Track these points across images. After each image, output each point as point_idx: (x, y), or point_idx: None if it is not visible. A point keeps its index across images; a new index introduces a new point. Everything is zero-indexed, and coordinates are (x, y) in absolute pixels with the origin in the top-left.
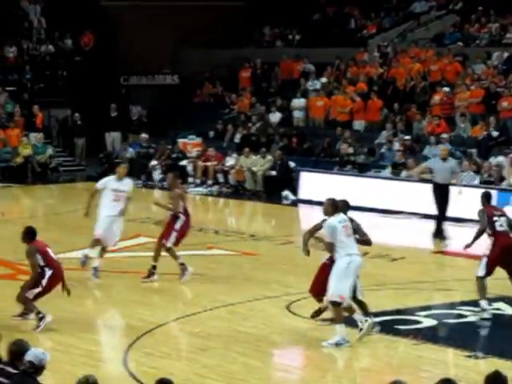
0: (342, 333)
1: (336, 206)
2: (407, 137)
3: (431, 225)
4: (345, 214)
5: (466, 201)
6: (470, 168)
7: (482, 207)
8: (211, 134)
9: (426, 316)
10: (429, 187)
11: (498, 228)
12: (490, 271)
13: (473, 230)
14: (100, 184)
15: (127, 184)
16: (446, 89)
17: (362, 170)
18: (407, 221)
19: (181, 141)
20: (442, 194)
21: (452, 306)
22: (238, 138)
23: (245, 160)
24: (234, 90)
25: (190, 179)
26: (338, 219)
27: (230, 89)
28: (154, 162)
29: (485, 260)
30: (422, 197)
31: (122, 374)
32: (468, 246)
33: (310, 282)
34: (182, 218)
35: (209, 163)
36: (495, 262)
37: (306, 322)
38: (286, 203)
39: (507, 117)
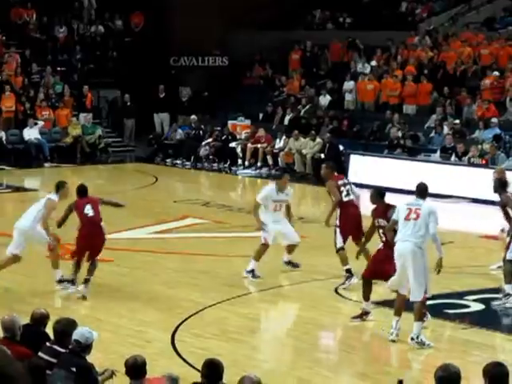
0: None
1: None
2: (457, 121)
3: (480, 209)
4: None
5: None
6: None
7: (503, 194)
8: (261, 116)
9: (474, 300)
10: (478, 171)
11: None
12: None
13: None
14: (261, 198)
15: (288, 194)
16: (497, 73)
17: (411, 153)
18: (456, 205)
19: (230, 123)
20: None
21: (500, 290)
22: (287, 121)
23: (294, 142)
24: (284, 72)
25: (240, 161)
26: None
27: (279, 71)
28: (205, 142)
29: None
30: (470, 181)
31: (169, 354)
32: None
33: (358, 264)
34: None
35: (258, 145)
36: None
37: (353, 304)
38: None
39: None
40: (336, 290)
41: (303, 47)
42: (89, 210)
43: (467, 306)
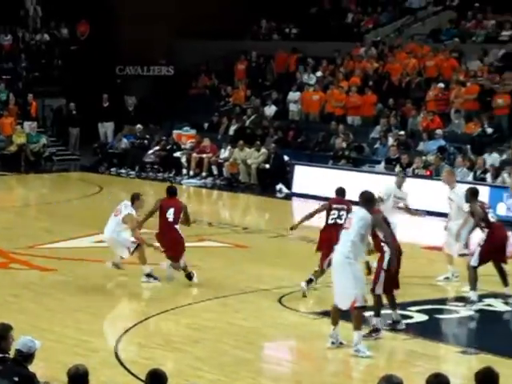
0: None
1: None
2: (401, 132)
3: (423, 220)
4: None
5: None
6: (463, 164)
7: (473, 203)
8: (206, 125)
9: (417, 311)
10: (422, 182)
11: (492, 219)
12: (482, 261)
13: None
14: (384, 193)
15: (406, 192)
16: (441, 85)
17: (355, 164)
18: (399, 216)
19: (176, 132)
20: None
21: (443, 301)
22: (232, 131)
23: (239, 152)
24: (230, 82)
25: (184, 171)
26: None
27: (225, 81)
28: (150, 152)
29: (478, 250)
30: (414, 192)
31: (113, 364)
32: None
33: (302, 274)
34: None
35: (203, 155)
36: (488, 254)
37: (297, 315)
38: (279, 196)
39: (502, 114)
40: (280, 301)
41: (249, 57)
42: (170, 215)
43: (410, 317)
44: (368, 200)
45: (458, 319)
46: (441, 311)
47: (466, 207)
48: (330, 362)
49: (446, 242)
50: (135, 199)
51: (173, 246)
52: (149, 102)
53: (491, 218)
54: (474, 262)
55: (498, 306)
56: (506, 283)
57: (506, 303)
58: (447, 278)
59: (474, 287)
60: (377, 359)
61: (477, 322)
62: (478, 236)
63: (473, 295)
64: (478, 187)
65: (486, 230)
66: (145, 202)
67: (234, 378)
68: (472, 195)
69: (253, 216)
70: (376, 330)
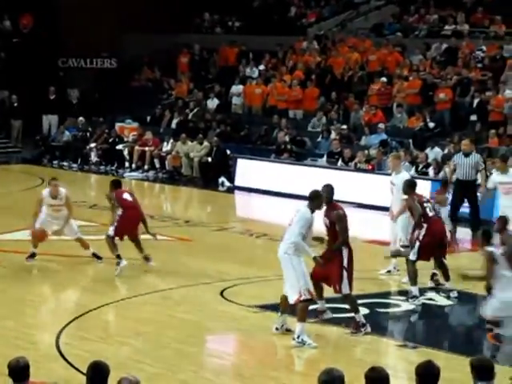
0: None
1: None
2: (344, 126)
3: (365, 214)
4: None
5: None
6: (405, 159)
7: (411, 195)
8: (148, 118)
9: (358, 305)
10: (364, 176)
11: (430, 213)
12: (420, 256)
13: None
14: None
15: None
16: (384, 79)
17: (298, 158)
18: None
19: (118, 125)
20: (466, 192)
21: (385, 295)
22: (174, 124)
23: (181, 146)
24: (173, 75)
25: (127, 164)
26: None
27: (168, 74)
28: (92, 145)
29: (417, 244)
30: (357, 186)
31: (54, 356)
32: (410, 239)
33: (246, 267)
34: None
35: (145, 148)
36: (427, 248)
37: (239, 308)
38: (221, 190)
39: (444, 108)
40: (222, 294)
41: (192, 51)
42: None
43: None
44: (312, 197)
45: (400, 313)
46: (382, 305)
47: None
48: (271, 355)
49: (392, 234)
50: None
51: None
52: (91, 94)
53: (429, 212)
54: (412, 256)
55: (440, 300)
56: (447, 278)
57: (448, 297)
58: (389, 272)
59: (414, 282)
60: (318, 353)
61: (418, 316)
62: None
63: (414, 290)
64: (420, 181)
65: (425, 225)
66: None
67: (175, 371)
68: (409, 188)
69: (195, 209)
70: (363, 325)
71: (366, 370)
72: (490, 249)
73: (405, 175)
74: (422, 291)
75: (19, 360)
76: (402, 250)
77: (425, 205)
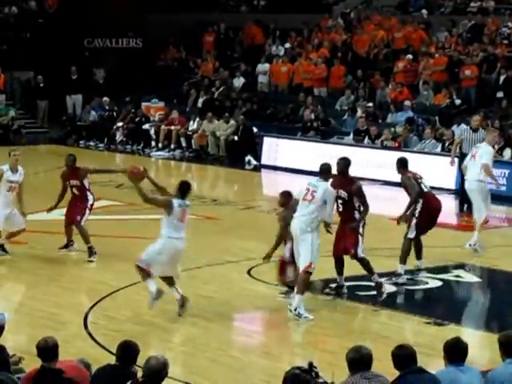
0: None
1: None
2: (369, 104)
3: (392, 192)
4: None
5: (427, 168)
6: (431, 136)
7: (404, 173)
8: (174, 98)
9: (385, 282)
10: (391, 154)
11: (425, 189)
12: (419, 233)
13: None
14: None
15: None
16: (410, 56)
17: (324, 136)
18: (368, 187)
19: (144, 104)
20: None
21: (412, 272)
22: (201, 103)
23: (207, 124)
24: (198, 54)
25: (153, 143)
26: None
27: (193, 53)
28: (118, 124)
29: (414, 221)
30: (383, 164)
31: (83, 336)
32: (403, 216)
33: (270, 246)
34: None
35: (171, 127)
36: (425, 224)
37: (266, 286)
38: (248, 168)
39: (470, 85)
40: (249, 272)
41: (217, 29)
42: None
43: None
44: (325, 171)
45: (427, 290)
46: (409, 282)
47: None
48: (298, 334)
49: None
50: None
51: None
52: (117, 74)
53: (424, 188)
54: (410, 233)
55: (467, 277)
56: (419, 256)
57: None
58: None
59: (404, 260)
60: (344, 331)
61: (445, 293)
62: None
63: (401, 268)
64: (447, 158)
65: (421, 201)
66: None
67: (203, 350)
68: (402, 165)
69: (222, 188)
70: (381, 285)
71: (393, 348)
72: None
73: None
74: (449, 268)
75: (47, 340)
76: None
77: (419, 181)
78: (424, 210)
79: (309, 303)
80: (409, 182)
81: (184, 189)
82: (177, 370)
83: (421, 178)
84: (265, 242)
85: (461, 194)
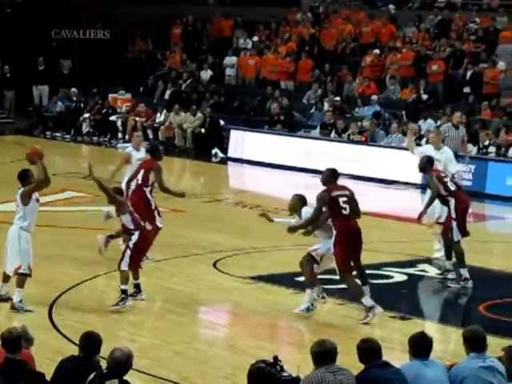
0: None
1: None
2: (337, 98)
3: (359, 186)
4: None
5: (393, 163)
6: (398, 130)
7: (428, 172)
8: (141, 89)
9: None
10: (357, 148)
11: (452, 188)
12: (464, 233)
13: (400, 191)
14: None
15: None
16: (377, 51)
17: (291, 129)
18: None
19: (111, 96)
20: None
21: (378, 266)
22: (168, 95)
23: (174, 117)
24: (166, 46)
25: (119, 134)
26: None
27: (161, 45)
28: (85, 116)
29: (455, 224)
30: (350, 157)
31: (47, 327)
32: (422, 214)
33: (239, 239)
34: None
35: (138, 119)
36: (463, 223)
37: (232, 279)
38: (214, 161)
39: (436, 80)
40: (215, 265)
41: (185, 21)
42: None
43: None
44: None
45: (392, 284)
46: (375, 276)
47: (454, 168)
48: (264, 326)
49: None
50: None
51: None
52: (84, 65)
53: (451, 186)
54: (456, 237)
55: (432, 271)
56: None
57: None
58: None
59: (463, 263)
60: (311, 324)
61: (411, 288)
62: (446, 209)
63: (464, 272)
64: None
65: (452, 200)
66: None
67: (169, 342)
68: (428, 164)
69: (188, 180)
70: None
71: (358, 341)
72: None
73: (447, 149)
74: (414, 262)
75: (11, 331)
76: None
77: (445, 180)
78: (459, 208)
79: (275, 297)
80: (432, 181)
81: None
82: (142, 362)
83: (445, 176)
84: (231, 235)
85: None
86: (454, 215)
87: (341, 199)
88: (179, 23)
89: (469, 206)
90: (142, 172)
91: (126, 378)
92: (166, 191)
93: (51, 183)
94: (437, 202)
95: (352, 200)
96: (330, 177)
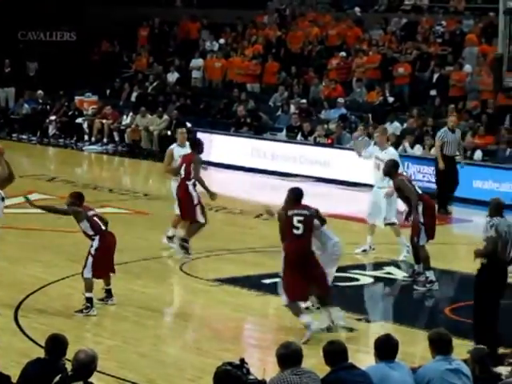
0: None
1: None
2: (303, 100)
3: (325, 188)
4: None
5: (359, 165)
6: (364, 133)
7: (399, 177)
8: (108, 92)
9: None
10: (324, 151)
11: (420, 191)
12: (429, 237)
13: (365, 194)
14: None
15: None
16: (343, 53)
17: (257, 132)
18: (301, 184)
19: (77, 98)
20: (452, 167)
21: (344, 269)
22: (134, 97)
23: (141, 119)
24: (132, 48)
25: (86, 137)
26: None
27: (128, 47)
28: (51, 118)
29: (423, 228)
30: (316, 160)
31: (12, 330)
32: (407, 218)
33: (205, 241)
34: None
35: (105, 121)
36: (432, 226)
37: (198, 282)
38: None
39: (403, 83)
40: (181, 267)
41: (152, 24)
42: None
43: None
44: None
45: (358, 287)
46: (340, 279)
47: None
48: (229, 329)
49: (371, 211)
50: None
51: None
52: (51, 67)
53: (418, 190)
54: (422, 241)
55: (398, 273)
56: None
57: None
58: (365, 251)
59: (428, 266)
60: (275, 326)
61: (376, 290)
62: (413, 213)
63: (430, 274)
64: None
65: (421, 203)
66: None
67: (134, 345)
68: (394, 168)
69: (154, 183)
70: None
71: (324, 344)
72: None
73: (391, 149)
74: (380, 265)
75: None
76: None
77: (413, 183)
78: (427, 212)
79: (240, 299)
80: (404, 185)
81: None
82: (107, 365)
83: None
84: (197, 237)
85: None
86: (421, 219)
87: (295, 218)
88: (146, 25)
89: (434, 208)
90: (183, 166)
91: (91, 380)
92: (200, 182)
93: (18, 185)
94: (384, 202)
95: (309, 220)
96: (292, 199)
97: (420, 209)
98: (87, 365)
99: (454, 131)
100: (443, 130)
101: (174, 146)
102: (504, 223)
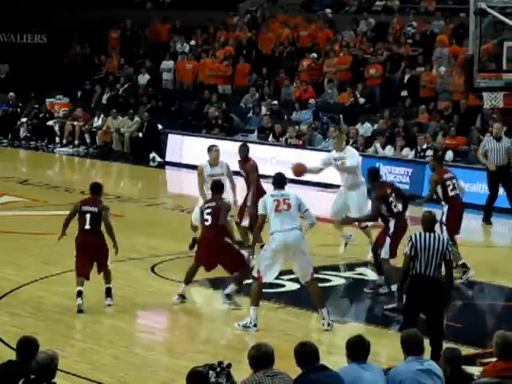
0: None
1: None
2: (274, 102)
3: (296, 190)
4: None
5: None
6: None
7: (377, 191)
8: (79, 94)
9: (288, 280)
10: (295, 152)
11: (395, 210)
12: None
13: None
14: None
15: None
16: (314, 55)
17: (229, 133)
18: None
19: (48, 100)
20: (503, 177)
21: (315, 270)
22: (105, 99)
23: (112, 121)
24: (103, 50)
25: (57, 139)
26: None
27: (99, 49)
28: (22, 120)
29: (389, 241)
30: (287, 162)
31: None
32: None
33: (175, 243)
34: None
35: (76, 123)
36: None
37: (170, 284)
38: (152, 165)
39: (374, 84)
40: (153, 269)
41: (122, 26)
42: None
43: (282, 286)
44: (283, 180)
45: (329, 288)
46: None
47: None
48: (201, 330)
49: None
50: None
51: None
52: (22, 69)
53: (394, 208)
54: (384, 254)
55: (370, 274)
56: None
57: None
58: (346, 244)
59: (391, 281)
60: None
61: (348, 291)
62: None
63: (394, 288)
64: None
65: (393, 221)
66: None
67: (107, 347)
68: (374, 177)
69: (126, 185)
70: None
71: (295, 345)
72: None
73: (350, 149)
74: (351, 266)
75: None
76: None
77: (390, 200)
78: (398, 230)
79: (213, 300)
80: (372, 200)
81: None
82: (80, 367)
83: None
84: (169, 239)
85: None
86: (391, 233)
87: (206, 211)
88: (117, 27)
89: (406, 230)
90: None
91: (55, 380)
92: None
93: None
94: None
95: (216, 210)
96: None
97: (392, 225)
98: (46, 365)
99: (500, 139)
100: (487, 138)
101: (204, 164)
102: None
